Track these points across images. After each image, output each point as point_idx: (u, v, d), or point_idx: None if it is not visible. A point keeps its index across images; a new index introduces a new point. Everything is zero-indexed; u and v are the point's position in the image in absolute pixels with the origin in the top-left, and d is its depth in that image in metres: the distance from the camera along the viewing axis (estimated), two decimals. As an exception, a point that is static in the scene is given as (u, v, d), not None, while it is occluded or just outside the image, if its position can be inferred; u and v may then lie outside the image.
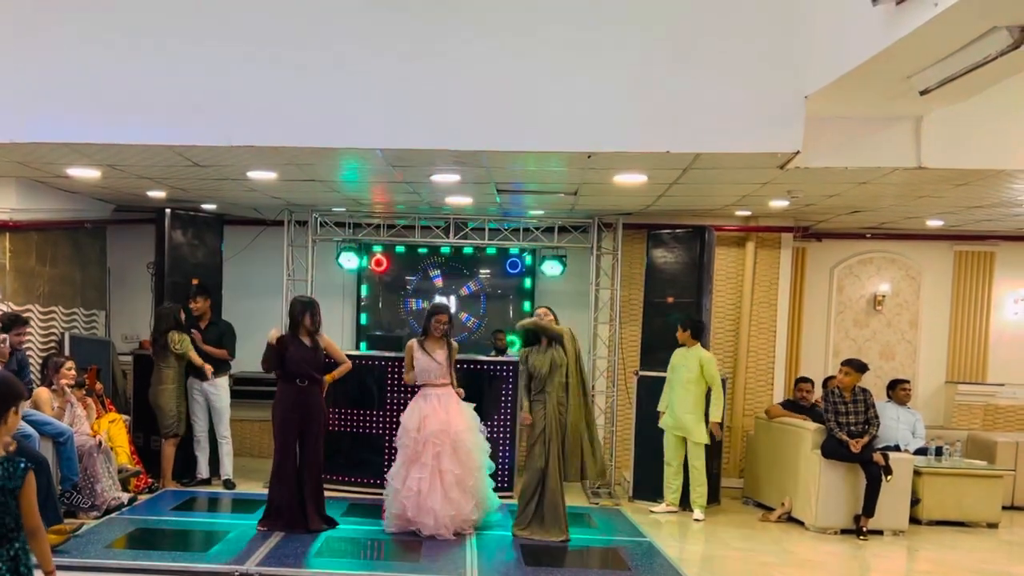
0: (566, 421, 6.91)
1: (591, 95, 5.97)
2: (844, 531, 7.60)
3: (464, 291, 10.38)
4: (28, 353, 7.92)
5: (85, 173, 7.50)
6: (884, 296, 10.18)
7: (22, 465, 3.14)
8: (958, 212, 8.54)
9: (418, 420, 6.82)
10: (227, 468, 8.53)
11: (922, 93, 5.13)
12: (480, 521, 6.99)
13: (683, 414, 8.02)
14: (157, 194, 8.62)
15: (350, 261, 9.84)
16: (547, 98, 6.00)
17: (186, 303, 8.49)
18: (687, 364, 8.05)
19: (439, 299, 10.12)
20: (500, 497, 7.37)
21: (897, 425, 8.68)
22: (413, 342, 7.07)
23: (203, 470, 8.56)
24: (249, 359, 8.96)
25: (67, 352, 8.50)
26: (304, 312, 6.89)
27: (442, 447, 6.74)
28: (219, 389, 8.54)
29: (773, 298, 9.72)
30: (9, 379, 3.34)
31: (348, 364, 7.16)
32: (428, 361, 6.94)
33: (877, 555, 7.09)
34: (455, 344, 7.19)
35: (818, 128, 5.95)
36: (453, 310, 10.22)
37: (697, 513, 7.94)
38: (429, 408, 6.86)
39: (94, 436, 7.22)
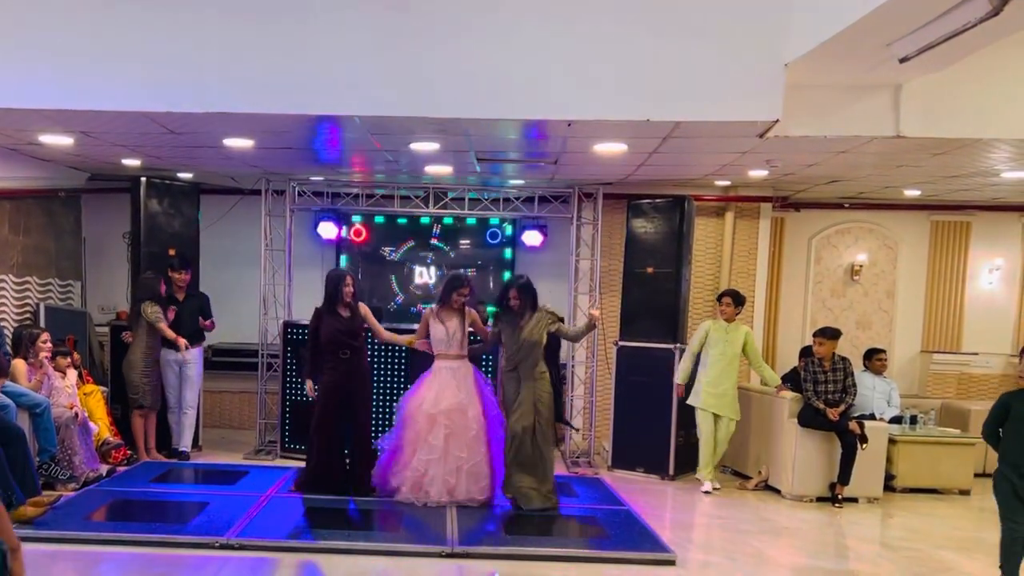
0: (542, 398, 6.84)
1: (571, 63, 5.91)
2: (820, 499, 7.70)
3: (444, 261, 10.34)
4: (3, 323, 7.84)
5: (58, 140, 7.37)
6: (861, 266, 10.26)
7: None
8: (935, 182, 8.59)
9: (432, 395, 6.79)
10: (185, 439, 8.49)
11: (902, 61, 5.14)
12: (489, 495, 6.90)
13: (728, 390, 7.96)
14: (132, 162, 8.50)
15: (328, 231, 9.77)
16: (527, 66, 5.93)
17: (167, 274, 8.41)
18: (730, 339, 7.95)
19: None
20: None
21: (873, 394, 8.80)
22: (430, 310, 7.10)
23: (178, 440, 8.48)
24: (228, 330, 8.93)
25: (42, 323, 8.41)
26: (338, 284, 6.98)
27: (452, 428, 6.72)
28: (194, 359, 8.50)
29: (752, 268, 9.78)
30: None
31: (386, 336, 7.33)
32: (440, 330, 6.93)
33: (852, 522, 7.20)
34: (472, 312, 7.10)
35: (798, 97, 5.95)
36: (432, 280, 10.20)
37: (713, 484, 7.97)
38: (442, 385, 6.83)
39: (71, 408, 7.15)
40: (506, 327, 6.95)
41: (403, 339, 7.27)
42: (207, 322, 8.50)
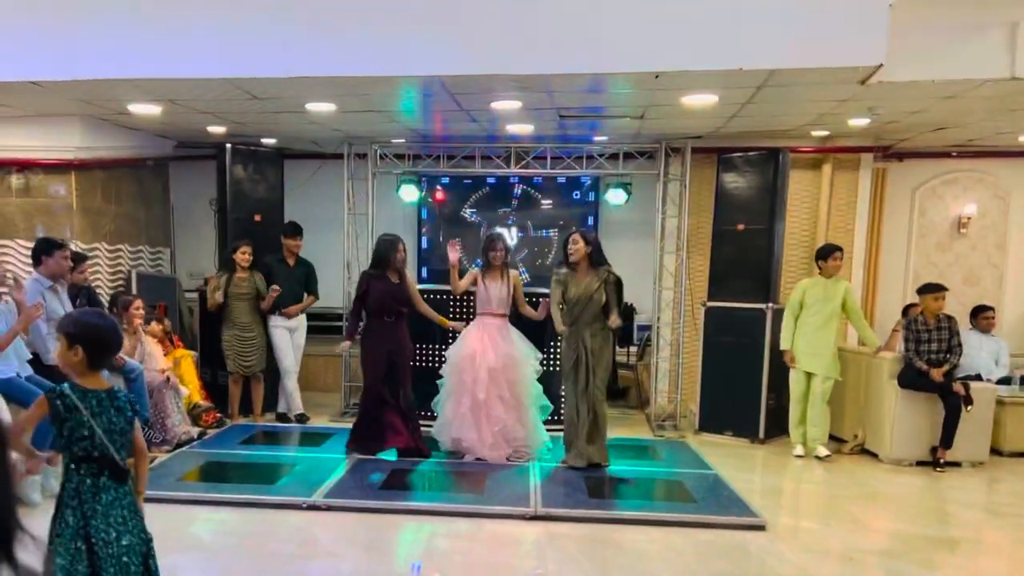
0: (600, 353, 6.82)
1: (657, 11, 5.65)
2: (920, 463, 7.38)
3: (527, 222, 10.20)
4: (98, 291, 8.04)
5: (146, 109, 7.49)
6: (969, 218, 9.65)
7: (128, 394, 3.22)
8: (1053, 127, 8.02)
9: (475, 348, 6.98)
10: (298, 402, 8.62)
11: (1021, -5, 4.73)
12: (533, 453, 7.08)
13: (825, 349, 7.55)
14: (217, 129, 8.60)
15: (410, 193, 9.72)
16: (611, 16, 5.70)
17: (280, 240, 8.56)
18: (830, 296, 7.55)
19: (497, 230, 9.97)
20: (551, 429, 7.34)
21: (979, 354, 8.33)
22: (477, 270, 7.30)
23: (294, 405, 8.61)
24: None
25: (134, 290, 8.62)
26: (390, 250, 7.02)
27: (502, 377, 6.94)
28: (303, 327, 8.68)
29: (850, 223, 9.32)
30: (116, 328, 3.27)
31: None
32: (484, 292, 7.15)
33: (953, 487, 6.85)
34: (515, 275, 7.27)
35: (903, 39, 5.56)
36: (514, 242, 10.08)
37: (823, 450, 7.59)
38: (488, 339, 7.02)
39: (162, 373, 7.33)
40: (568, 278, 6.82)
41: (439, 318, 7.43)
42: (306, 302, 8.57)
